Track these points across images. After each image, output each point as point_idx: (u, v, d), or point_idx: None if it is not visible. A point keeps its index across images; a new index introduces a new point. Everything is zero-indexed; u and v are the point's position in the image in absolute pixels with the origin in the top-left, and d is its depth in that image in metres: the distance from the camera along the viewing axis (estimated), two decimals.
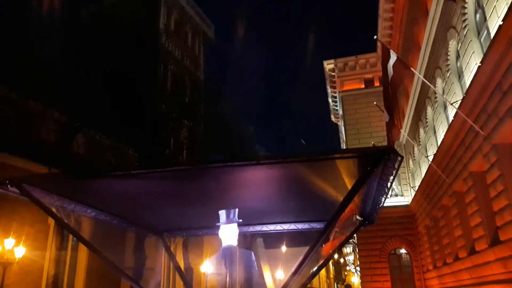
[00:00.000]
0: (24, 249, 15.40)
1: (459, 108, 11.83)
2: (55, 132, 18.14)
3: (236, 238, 5.72)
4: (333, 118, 37.93)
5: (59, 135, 18.12)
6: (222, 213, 5.74)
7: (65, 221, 5.89)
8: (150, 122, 21.01)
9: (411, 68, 13.62)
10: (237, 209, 5.71)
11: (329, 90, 33.44)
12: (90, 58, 25.18)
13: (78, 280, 20.23)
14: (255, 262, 5.73)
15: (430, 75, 16.68)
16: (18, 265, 15.57)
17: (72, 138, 18.68)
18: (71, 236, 19.22)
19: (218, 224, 5.78)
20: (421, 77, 16.15)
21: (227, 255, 5.86)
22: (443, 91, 14.81)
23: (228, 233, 5.69)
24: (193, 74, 33.00)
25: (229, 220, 5.70)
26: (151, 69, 25.71)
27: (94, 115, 18.71)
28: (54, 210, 5.81)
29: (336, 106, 34.00)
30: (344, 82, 30.14)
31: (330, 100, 34.93)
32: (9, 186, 5.28)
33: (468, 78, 11.67)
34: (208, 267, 25.23)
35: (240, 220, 5.74)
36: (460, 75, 13.41)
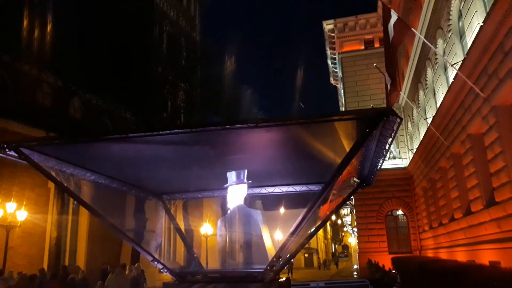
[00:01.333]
0: (26, 213, 15.61)
1: (459, 69, 11.68)
2: (51, 96, 17.95)
3: (243, 198, 5.79)
4: (332, 81, 37.57)
5: (55, 99, 17.93)
6: (231, 174, 5.77)
7: (65, 185, 5.89)
8: (147, 85, 20.73)
9: (412, 29, 13.34)
10: (246, 170, 5.75)
11: (328, 51, 32.92)
12: (84, 20, 24.53)
13: (80, 242, 20.66)
14: (261, 222, 5.82)
15: (431, 35, 16.36)
16: (21, 228, 15.83)
17: (68, 102, 18.51)
18: (71, 200, 19.45)
19: (226, 185, 5.82)
20: (422, 37, 15.84)
21: (227, 217, 5.94)
22: (444, 52, 14.57)
23: (235, 194, 5.75)
24: (189, 36, 32.29)
25: (239, 181, 5.74)
26: (146, 30, 25.11)
27: (89, 78, 18.42)
28: (53, 174, 5.80)
29: (336, 68, 33.59)
30: (343, 43, 29.62)
31: (329, 62, 34.46)
32: (7, 150, 5.25)
33: (469, 39, 11.45)
34: (208, 228, 25.81)
35: (250, 181, 5.78)
36: (461, 36, 13.16)
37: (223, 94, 26.95)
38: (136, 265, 16.52)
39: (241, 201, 5.84)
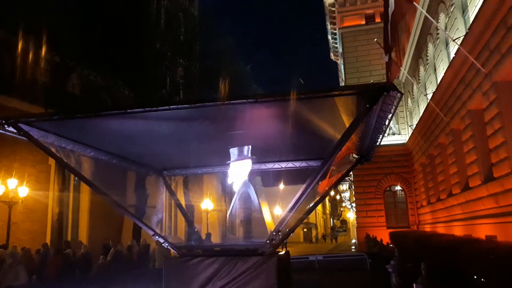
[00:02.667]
0: (27, 189, 15.71)
1: (461, 44, 11.55)
2: (49, 73, 17.76)
3: (246, 173, 5.81)
4: (332, 56, 37.20)
5: (53, 75, 17.76)
6: (234, 150, 5.77)
7: (65, 161, 5.91)
8: (145, 61, 20.46)
9: (414, 2, 13.13)
10: (250, 146, 5.76)
11: (328, 26, 32.48)
12: None
13: (82, 218, 20.88)
14: (262, 198, 5.87)
15: (433, 9, 16.10)
16: (23, 204, 15.97)
17: (67, 79, 18.32)
18: (72, 176, 19.54)
19: (229, 161, 5.85)
20: (424, 11, 15.59)
21: (227, 193, 6.00)
22: (446, 27, 14.38)
23: (238, 170, 5.78)
24: (187, 11, 31.72)
25: (243, 156, 5.75)
26: (143, 4, 24.63)
27: (87, 54, 18.17)
28: (53, 150, 5.81)
29: (336, 43, 33.21)
30: (344, 18, 29.18)
31: (329, 37, 34.05)
32: (5, 126, 5.24)
33: (472, 13, 11.28)
34: (209, 204, 26.04)
35: (254, 157, 5.79)
36: (464, 10, 12.95)
37: (222, 70, 26.67)
38: (141, 240, 16.80)
39: (245, 177, 5.87)
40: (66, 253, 14.00)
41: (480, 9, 10.17)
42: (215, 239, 24.30)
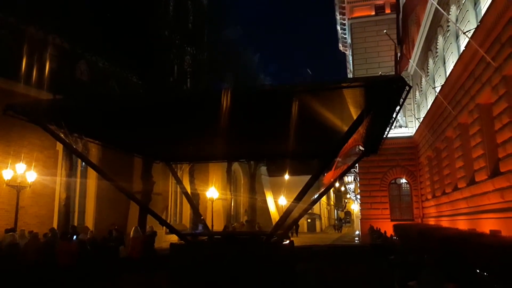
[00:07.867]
0: (36, 174, 15.89)
1: (471, 37, 11.43)
2: (57, 59, 17.80)
3: None
4: (341, 47, 36.92)
5: (61, 61, 17.81)
6: None
7: (74, 147, 5.98)
8: (153, 49, 20.42)
9: None
10: None
11: (338, 17, 32.20)
12: None
13: (88, 203, 21.10)
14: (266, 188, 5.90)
15: (444, 1, 15.90)
16: (31, 189, 16.17)
17: (75, 65, 18.36)
18: (79, 162, 19.71)
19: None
20: (435, 3, 15.41)
21: (232, 182, 6.04)
22: (457, 19, 14.21)
23: None
24: None
25: None
26: None
27: (95, 41, 18.17)
28: (61, 135, 5.88)
29: (345, 34, 32.95)
30: (354, 9, 28.93)
31: (338, 27, 33.77)
32: (15, 112, 5.31)
33: (484, 5, 11.14)
34: (214, 192, 26.20)
35: None
36: (476, 2, 12.79)
37: (231, 59, 26.59)
38: (148, 227, 16.92)
39: None
40: (76, 237, 14.13)
41: (492, 1, 10.04)
42: (220, 227, 24.45)
